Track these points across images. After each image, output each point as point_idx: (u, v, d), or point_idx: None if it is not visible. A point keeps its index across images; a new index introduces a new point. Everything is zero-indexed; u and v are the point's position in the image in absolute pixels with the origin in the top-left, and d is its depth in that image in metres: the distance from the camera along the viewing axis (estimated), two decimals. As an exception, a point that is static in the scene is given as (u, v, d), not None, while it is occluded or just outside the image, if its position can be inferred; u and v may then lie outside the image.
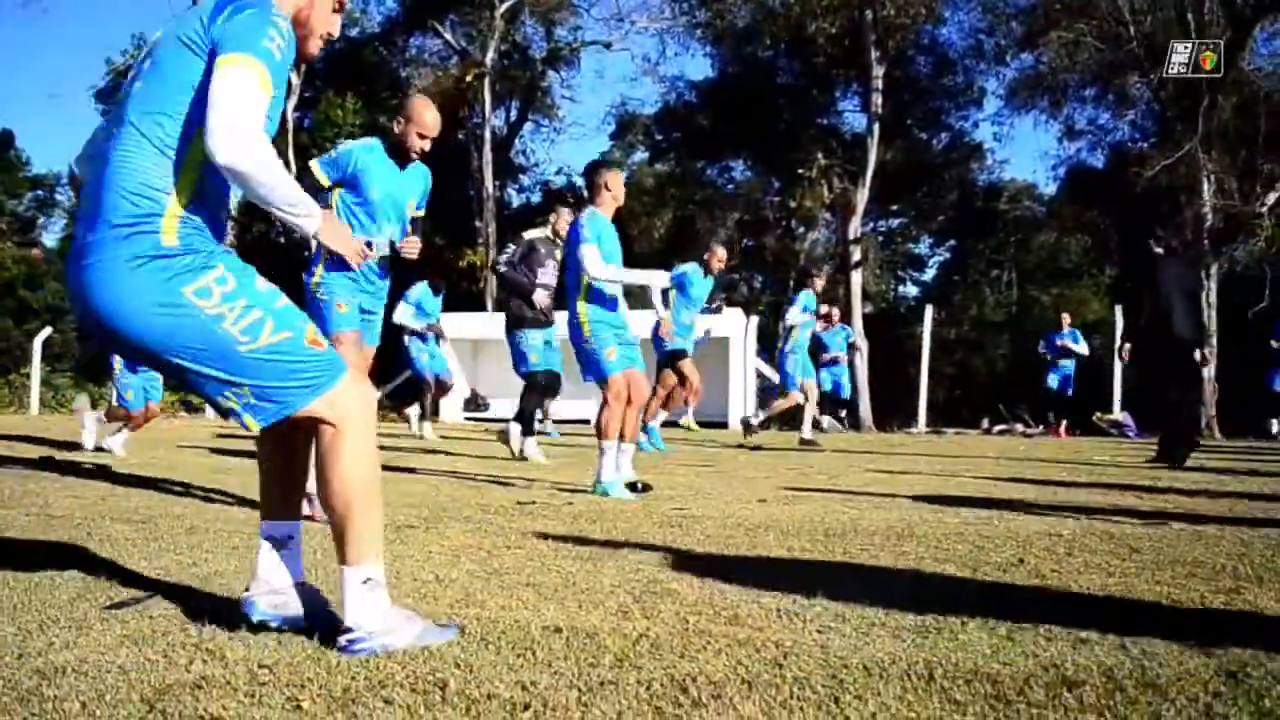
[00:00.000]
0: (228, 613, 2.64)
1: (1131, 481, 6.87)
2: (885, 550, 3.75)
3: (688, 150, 31.65)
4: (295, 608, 2.49)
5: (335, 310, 4.49)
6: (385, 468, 6.19)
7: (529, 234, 8.63)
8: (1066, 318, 17.15)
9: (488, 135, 28.01)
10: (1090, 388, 18.74)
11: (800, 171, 26.75)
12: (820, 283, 11.80)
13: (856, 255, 25.08)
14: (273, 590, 2.50)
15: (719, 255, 10.17)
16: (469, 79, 27.35)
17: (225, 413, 2.33)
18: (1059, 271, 33.19)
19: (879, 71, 24.45)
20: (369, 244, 4.49)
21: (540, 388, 8.55)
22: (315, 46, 2.51)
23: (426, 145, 4.65)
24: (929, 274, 37.47)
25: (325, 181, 4.56)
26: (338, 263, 4.48)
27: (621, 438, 5.85)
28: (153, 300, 2.21)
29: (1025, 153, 47.00)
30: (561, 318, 6.93)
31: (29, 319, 30.88)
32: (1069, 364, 16.29)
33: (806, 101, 28.88)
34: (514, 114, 32.86)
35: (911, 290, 37.85)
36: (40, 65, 57.10)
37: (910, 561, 3.54)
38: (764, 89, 28.66)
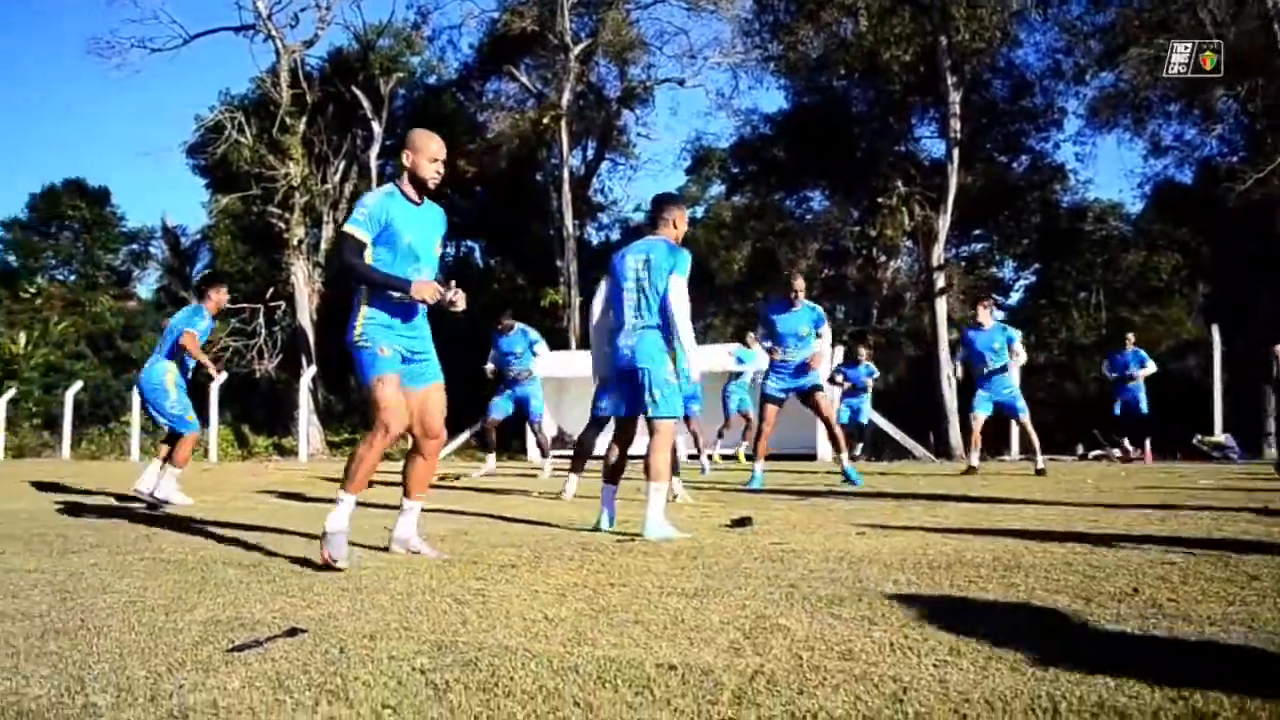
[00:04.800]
0: (345, 653, 2.71)
1: (1242, 505, 6.67)
2: (994, 581, 3.69)
3: (765, 182, 31.50)
4: None
5: (378, 355, 4.41)
6: (482, 514, 6.26)
7: None
8: (1131, 337, 16.41)
9: (566, 175, 28.38)
10: (1189, 409, 18.16)
11: (880, 200, 26.55)
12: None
13: (940, 282, 24.81)
14: None
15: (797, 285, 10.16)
16: (546, 121, 27.78)
17: None
18: (1150, 291, 32.30)
19: (955, 97, 24.22)
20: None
21: None
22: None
23: (440, 169, 4.56)
24: (1014, 298, 36.83)
25: (368, 240, 4.44)
26: (382, 301, 4.50)
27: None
28: None
29: (1109, 172, 45.98)
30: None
31: (127, 368, 31.93)
32: (1136, 385, 15.57)
33: (883, 129, 28.66)
34: (591, 153, 33.27)
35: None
36: (134, 123, 59.29)
37: (1021, 593, 3.47)
38: (839, 118, 28.47)
